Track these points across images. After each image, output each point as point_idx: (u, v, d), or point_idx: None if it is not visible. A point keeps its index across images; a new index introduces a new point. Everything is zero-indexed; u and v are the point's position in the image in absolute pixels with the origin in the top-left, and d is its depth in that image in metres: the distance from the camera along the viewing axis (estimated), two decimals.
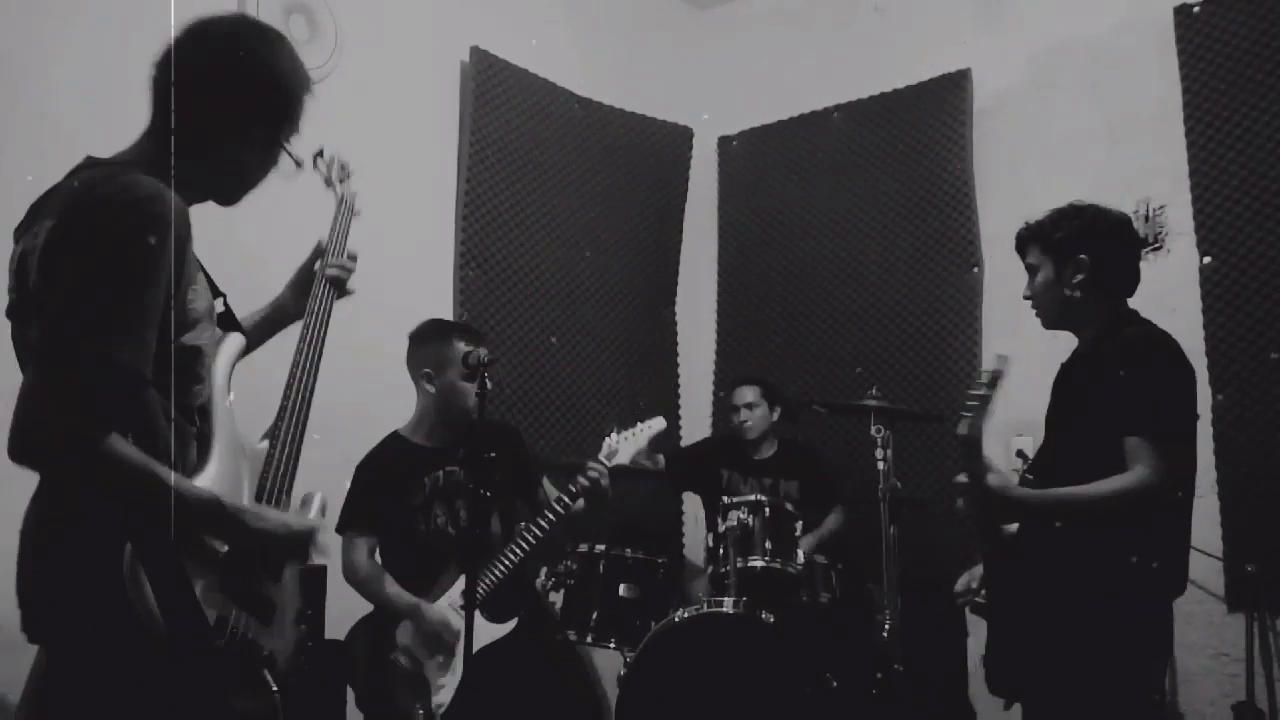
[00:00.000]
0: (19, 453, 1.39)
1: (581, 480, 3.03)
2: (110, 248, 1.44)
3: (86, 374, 1.39)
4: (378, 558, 3.07)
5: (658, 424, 3.21)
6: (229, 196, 1.74)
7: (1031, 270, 2.45)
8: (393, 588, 2.96)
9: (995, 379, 2.16)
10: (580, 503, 3.02)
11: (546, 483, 3.28)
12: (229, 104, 1.65)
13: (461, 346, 2.99)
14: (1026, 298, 2.49)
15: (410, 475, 3.05)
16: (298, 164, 1.79)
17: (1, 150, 2.89)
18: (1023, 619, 2.29)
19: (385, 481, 3.04)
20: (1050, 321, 2.47)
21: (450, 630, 2.90)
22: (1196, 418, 2.33)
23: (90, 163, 1.60)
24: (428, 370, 3.06)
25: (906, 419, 3.89)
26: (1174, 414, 2.24)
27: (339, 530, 3.02)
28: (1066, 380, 2.43)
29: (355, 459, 3.08)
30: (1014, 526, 2.40)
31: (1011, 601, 2.34)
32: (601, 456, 3.11)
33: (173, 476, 1.47)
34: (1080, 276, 2.36)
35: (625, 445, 3.13)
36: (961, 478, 2.23)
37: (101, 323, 1.40)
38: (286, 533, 1.63)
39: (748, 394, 4.10)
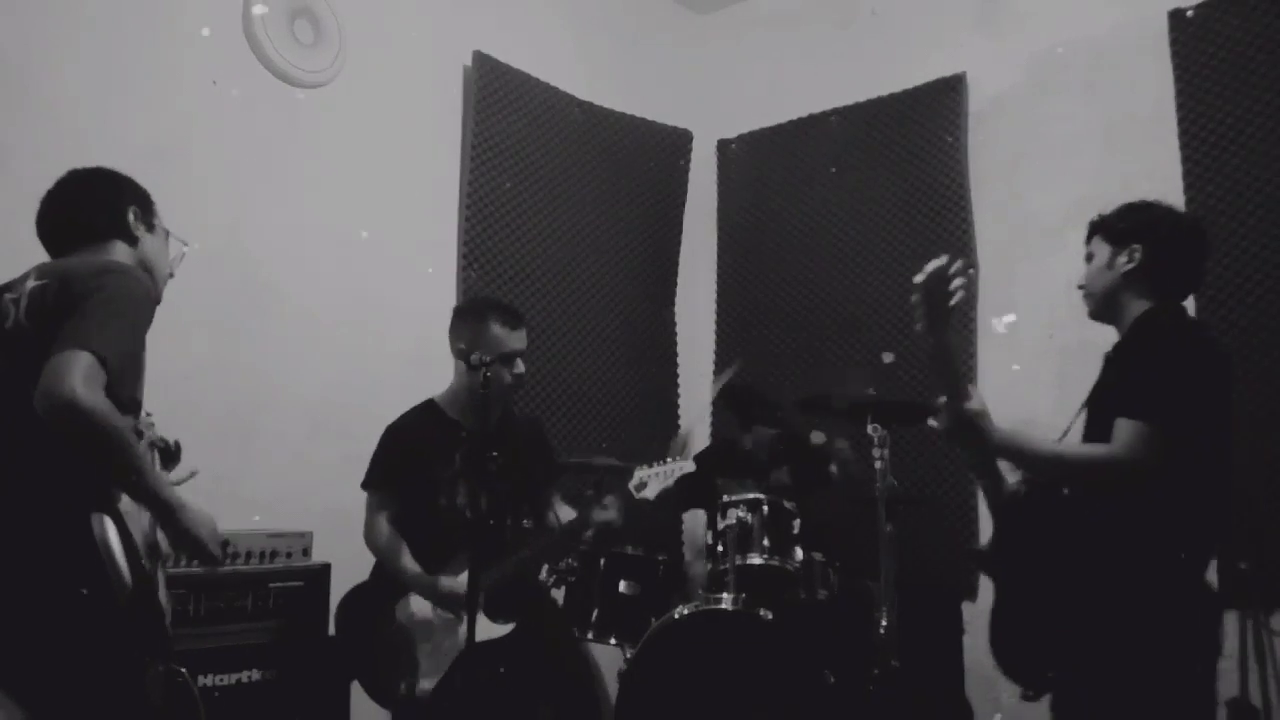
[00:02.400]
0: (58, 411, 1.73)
1: (598, 517, 3.05)
2: (135, 305, 1.96)
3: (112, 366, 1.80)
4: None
5: (688, 466, 3.19)
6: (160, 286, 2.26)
7: (1089, 258, 2.44)
8: (408, 560, 2.98)
9: (956, 268, 2.11)
10: (590, 533, 3.05)
11: (557, 500, 3.28)
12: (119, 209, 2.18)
13: (496, 329, 3.01)
14: (1080, 286, 2.46)
15: (439, 446, 3.04)
16: (184, 244, 2.35)
17: (10, 152, 2.92)
18: (1041, 600, 2.21)
19: (414, 448, 3.04)
20: (1095, 309, 2.44)
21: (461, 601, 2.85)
22: (1218, 403, 2.24)
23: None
24: (461, 347, 3.05)
25: (898, 418, 3.91)
26: (1163, 395, 2.12)
27: (364, 486, 3.07)
28: (1104, 370, 2.39)
29: (355, 459, 3.10)
30: (1020, 487, 2.36)
31: (1026, 578, 2.26)
32: (630, 485, 3.11)
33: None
34: (1130, 265, 2.33)
35: (654, 481, 3.12)
36: (942, 399, 2.24)
37: (116, 340, 1.84)
38: (209, 527, 2.00)
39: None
